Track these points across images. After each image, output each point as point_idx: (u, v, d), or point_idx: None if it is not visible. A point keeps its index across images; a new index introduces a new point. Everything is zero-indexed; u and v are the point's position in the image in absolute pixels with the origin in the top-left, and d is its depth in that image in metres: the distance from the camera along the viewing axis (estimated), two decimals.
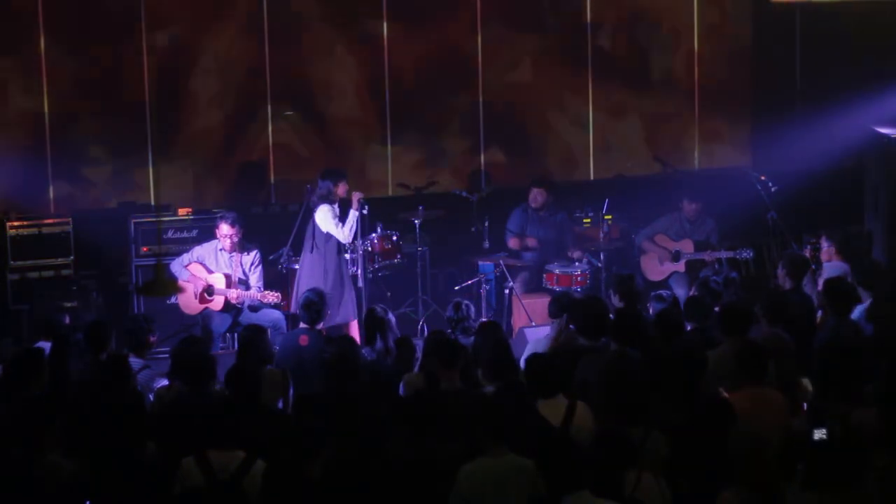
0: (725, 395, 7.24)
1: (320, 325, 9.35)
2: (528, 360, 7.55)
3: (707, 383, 7.43)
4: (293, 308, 10.78)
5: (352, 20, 13.12)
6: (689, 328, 8.89)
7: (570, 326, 8.87)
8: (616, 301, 9.47)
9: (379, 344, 8.82)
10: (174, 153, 12.73)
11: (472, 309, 9.41)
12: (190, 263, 10.93)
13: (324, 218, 10.87)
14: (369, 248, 11.51)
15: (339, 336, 9.51)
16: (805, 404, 7.71)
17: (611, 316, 8.70)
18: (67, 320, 10.26)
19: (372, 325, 8.96)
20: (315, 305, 9.33)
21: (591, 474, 5.85)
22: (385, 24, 13.14)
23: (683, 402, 7.05)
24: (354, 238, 10.92)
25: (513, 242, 12.29)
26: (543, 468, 6.24)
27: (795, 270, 9.82)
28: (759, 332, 8.53)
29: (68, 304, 11.59)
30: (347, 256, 10.96)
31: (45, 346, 8.56)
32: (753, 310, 8.61)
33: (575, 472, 5.86)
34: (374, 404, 7.55)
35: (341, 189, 10.92)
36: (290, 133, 13.04)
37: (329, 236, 10.88)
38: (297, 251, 11.63)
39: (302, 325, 9.39)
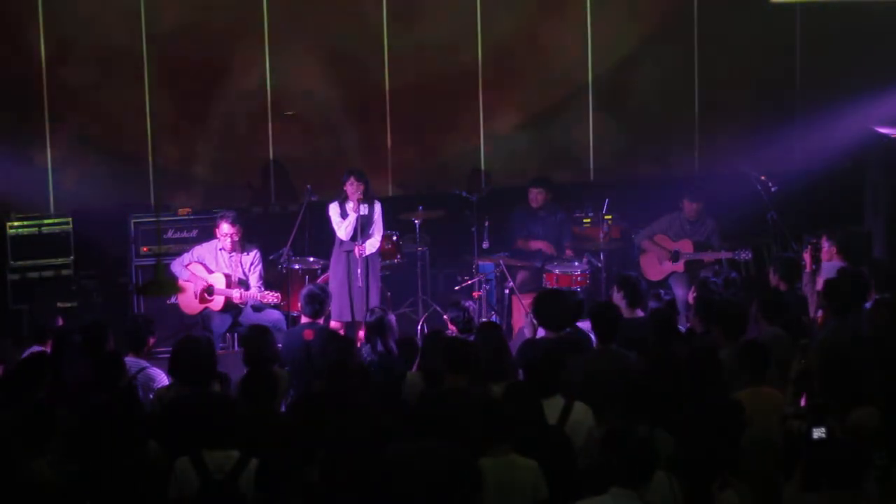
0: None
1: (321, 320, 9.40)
2: (528, 361, 7.53)
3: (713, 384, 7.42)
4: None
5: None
6: (691, 328, 8.91)
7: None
8: (618, 299, 9.42)
9: (379, 346, 8.81)
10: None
11: (473, 307, 9.42)
12: (190, 263, 10.92)
13: (331, 214, 11.04)
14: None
15: (339, 336, 9.50)
16: (805, 404, 7.70)
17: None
18: (60, 322, 10.26)
19: (373, 326, 8.94)
20: (318, 297, 9.35)
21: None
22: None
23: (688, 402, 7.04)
24: (353, 238, 10.94)
25: (520, 242, 12.30)
26: (546, 469, 6.24)
27: (788, 273, 9.85)
28: (759, 332, 8.53)
29: (67, 304, 11.59)
30: (358, 254, 10.94)
31: (38, 349, 8.56)
32: (750, 310, 8.61)
33: (577, 473, 5.86)
34: (375, 405, 7.55)
35: (348, 186, 10.95)
36: (290, 132, 13.03)
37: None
38: (297, 251, 11.63)
39: (304, 319, 9.39)
